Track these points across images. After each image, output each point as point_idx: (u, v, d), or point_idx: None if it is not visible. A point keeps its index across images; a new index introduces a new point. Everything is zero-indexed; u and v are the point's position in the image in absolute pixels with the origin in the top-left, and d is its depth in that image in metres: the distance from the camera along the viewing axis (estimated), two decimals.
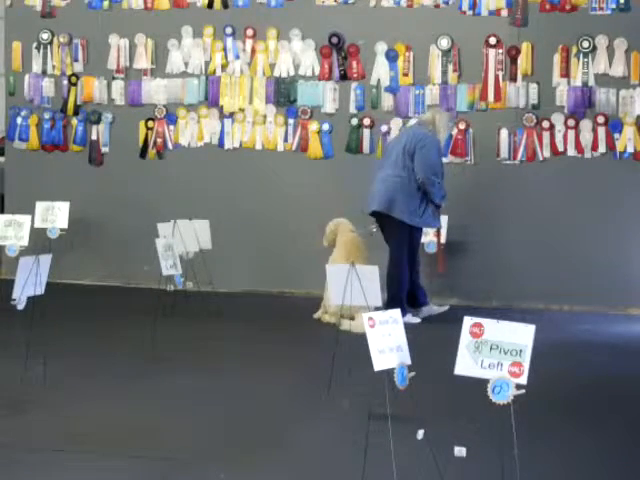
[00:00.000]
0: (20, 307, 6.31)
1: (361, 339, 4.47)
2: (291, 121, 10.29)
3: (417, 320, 8.70)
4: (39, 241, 9.19)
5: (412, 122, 9.46)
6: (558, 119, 9.70)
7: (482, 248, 9.68)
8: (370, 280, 6.32)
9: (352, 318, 7.79)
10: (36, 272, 6.30)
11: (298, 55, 10.25)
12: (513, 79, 9.77)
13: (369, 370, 4.37)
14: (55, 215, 9.70)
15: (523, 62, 9.75)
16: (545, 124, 9.71)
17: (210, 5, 10.43)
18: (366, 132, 10.12)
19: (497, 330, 4.22)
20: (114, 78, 10.70)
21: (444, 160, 9.14)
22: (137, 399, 6.25)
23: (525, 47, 9.74)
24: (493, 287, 9.55)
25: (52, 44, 10.81)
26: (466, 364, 4.24)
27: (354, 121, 10.12)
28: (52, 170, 10.81)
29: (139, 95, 10.65)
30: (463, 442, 4.61)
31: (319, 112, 10.24)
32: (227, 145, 10.45)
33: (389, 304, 7.97)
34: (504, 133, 9.79)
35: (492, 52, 9.79)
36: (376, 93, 10.10)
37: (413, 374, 4.48)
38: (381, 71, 10.07)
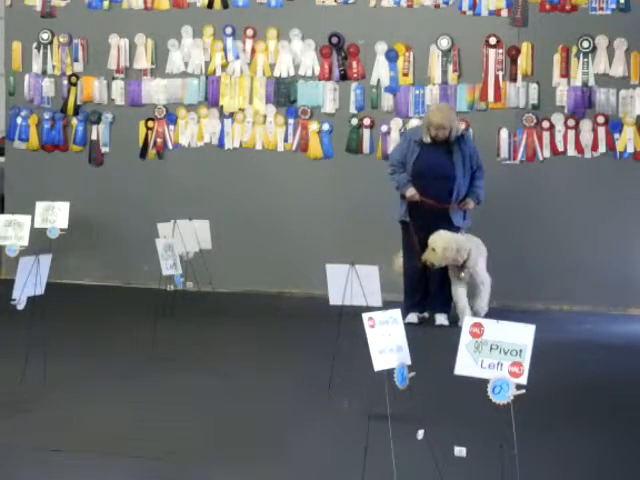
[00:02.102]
0: (20, 307, 6.31)
1: (361, 339, 4.47)
2: (291, 121, 10.29)
3: (414, 320, 8.68)
4: (39, 241, 9.17)
5: None
6: (558, 119, 9.70)
7: None
8: (370, 280, 6.32)
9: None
10: (36, 272, 6.30)
11: (298, 55, 10.25)
12: (513, 79, 9.77)
13: (369, 370, 4.37)
14: (55, 215, 9.69)
15: (523, 62, 9.75)
16: (545, 124, 9.71)
17: (210, 5, 10.43)
18: (366, 132, 10.12)
19: (497, 330, 4.22)
20: (114, 78, 10.70)
21: None
22: (137, 399, 6.25)
23: (525, 47, 9.74)
24: (494, 287, 9.52)
25: (52, 44, 10.81)
26: (466, 364, 4.24)
27: (354, 121, 10.13)
28: (52, 170, 10.81)
29: (139, 95, 10.65)
30: (463, 442, 4.61)
31: (319, 112, 10.24)
32: (227, 145, 10.45)
33: None
34: (504, 133, 9.79)
35: (492, 52, 9.79)
36: (376, 93, 10.10)
37: (413, 374, 4.47)
38: (381, 71, 10.07)
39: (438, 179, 8.65)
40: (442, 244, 8.45)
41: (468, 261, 8.60)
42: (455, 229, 8.70)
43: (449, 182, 8.67)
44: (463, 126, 9.24)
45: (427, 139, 8.67)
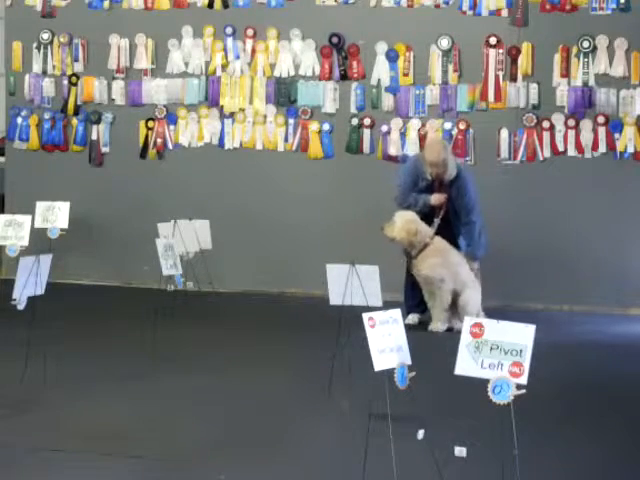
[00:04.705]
0: (20, 307, 6.31)
1: (361, 339, 4.46)
2: (291, 121, 10.29)
3: (414, 321, 8.68)
4: (39, 241, 9.17)
5: None
6: (558, 119, 9.70)
7: None
8: (370, 280, 6.32)
9: None
10: (36, 272, 6.30)
11: (298, 55, 10.25)
12: (513, 79, 9.77)
13: (369, 370, 4.36)
14: (55, 215, 9.68)
15: (523, 62, 9.75)
16: (545, 124, 9.71)
17: (210, 5, 10.43)
18: (366, 132, 10.12)
19: (497, 330, 4.22)
20: (114, 78, 10.70)
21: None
22: (137, 399, 6.25)
23: (525, 47, 9.74)
24: (493, 287, 9.52)
25: (52, 44, 10.81)
26: (466, 364, 4.24)
27: (354, 121, 10.13)
28: (52, 170, 10.81)
29: (139, 95, 10.65)
30: (463, 442, 4.61)
31: (319, 112, 10.24)
32: (227, 145, 10.45)
33: None
34: (504, 133, 9.79)
35: (492, 52, 9.79)
36: (376, 93, 10.10)
37: (413, 374, 4.47)
38: (381, 71, 10.07)
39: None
40: (404, 218, 8.39)
41: (418, 255, 8.46)
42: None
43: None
44: (457, 164, 9.00)
45: (428, 176, 8.60)
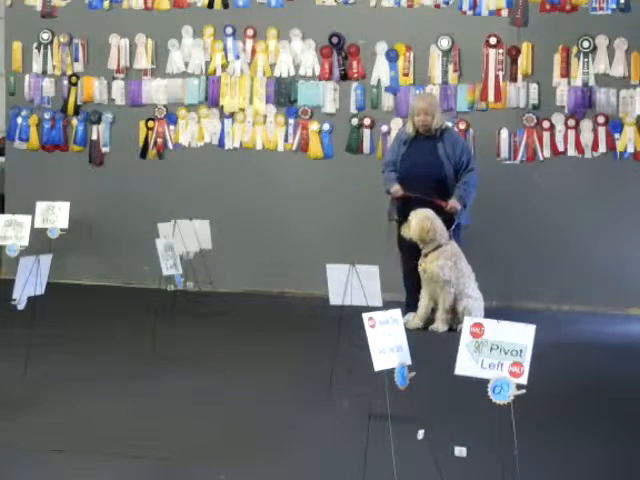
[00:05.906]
0: (20, 307, 6.31)
1: (361, 339, 4.46)
2: (291, 121, 10.29)
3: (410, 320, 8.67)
4: (39, 241, 9.18)
5: None
6: (558, 119, 9.70)
7: (482, 248, 9.66)
8: (370, 280, 6.31)
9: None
10: (36, 272, 6.30)
11: (298, 55, 10.25)
12: (513, 79, 9.77)
13: (369, 370, 4.36)
14: (55, 215, 9.68)
15: (523, 62, 9.76)
16: (545, 124, 9.71)
17: (210, 5, 10.43)
18: (366, 132, 10.12)
19: (497, 330, 4.22)
20: (114, 78, 10.70)
21: None
22: (137, 399, 6.25)
23: (525, 47, 9.74)
24: (493, 287, 9.53)
25: (52, 44, 10.82)
26: (466, 364, 4.24)
27: (354, 121, 10.13)
28: (52, 170, 10.81)
29: (139, 95, 10.65)
30: (463, 442, 4.61)
31: (319, 112, 10.24)
32: (227, 145, 10.45)
33: None
34: (504, 133, 9.79)
35: (492, 52, 9.79)
36: (376, 93, 10.10)
37: (413, 374, 4.47)
38: (381, 71, 10.07)
39: (426, 177, 8.57)
40: (418, 217, 8.39)
41: (430, 254, 8.44)
42: (451, 228, 8.65)
43: (438, 180, 8.60)
44: (447, 122, 9.08)
45: (410, 129, 8.70)
